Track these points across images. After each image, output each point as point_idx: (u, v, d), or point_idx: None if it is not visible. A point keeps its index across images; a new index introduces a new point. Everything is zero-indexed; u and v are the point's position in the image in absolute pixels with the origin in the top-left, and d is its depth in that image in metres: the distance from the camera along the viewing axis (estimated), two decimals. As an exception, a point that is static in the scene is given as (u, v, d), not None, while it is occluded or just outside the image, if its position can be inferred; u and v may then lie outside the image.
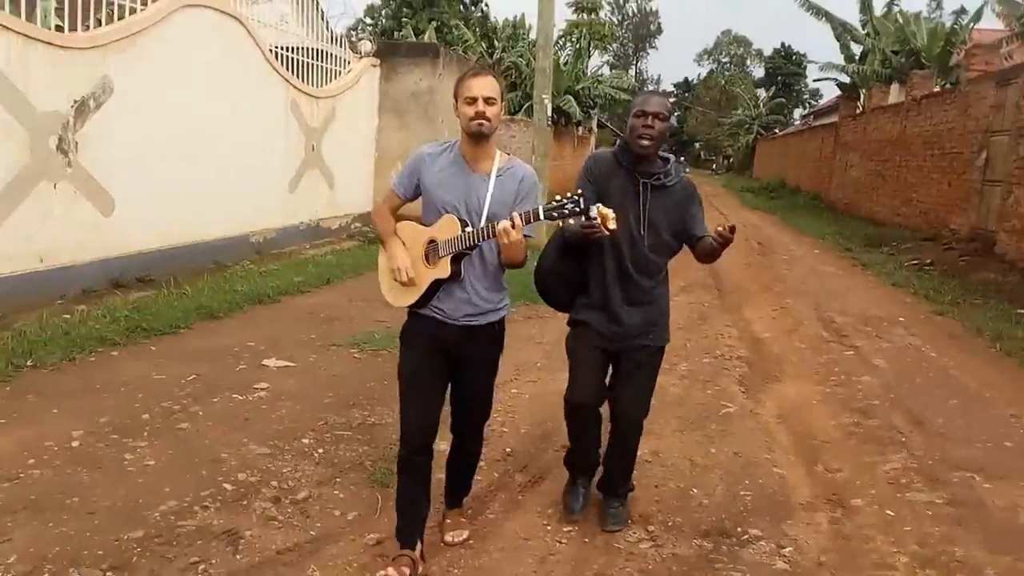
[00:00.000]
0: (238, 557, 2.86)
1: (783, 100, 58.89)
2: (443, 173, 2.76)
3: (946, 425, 4.63)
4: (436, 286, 2.73)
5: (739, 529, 3.26)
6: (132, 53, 7.07)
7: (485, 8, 31.65)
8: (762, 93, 65.18)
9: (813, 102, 60.83)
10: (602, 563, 2.98)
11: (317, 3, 12.12)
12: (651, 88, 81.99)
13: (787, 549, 3.11)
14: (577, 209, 2.50)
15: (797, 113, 61.27)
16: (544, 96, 11.36)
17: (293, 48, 10.52)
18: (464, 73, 2.75)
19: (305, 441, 3.92)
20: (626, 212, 2.96)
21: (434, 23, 29.27)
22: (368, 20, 37.15)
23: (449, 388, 2.90)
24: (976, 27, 23.43)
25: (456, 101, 2.71)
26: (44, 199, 6.25)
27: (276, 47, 9.92)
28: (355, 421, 4.25)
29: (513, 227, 2.51)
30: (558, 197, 2.54)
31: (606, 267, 3.07)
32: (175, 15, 7.60)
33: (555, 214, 2.52)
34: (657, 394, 4.95)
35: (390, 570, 2.68)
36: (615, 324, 3.09)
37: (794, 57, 65.54)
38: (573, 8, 41.74)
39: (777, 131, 50.50)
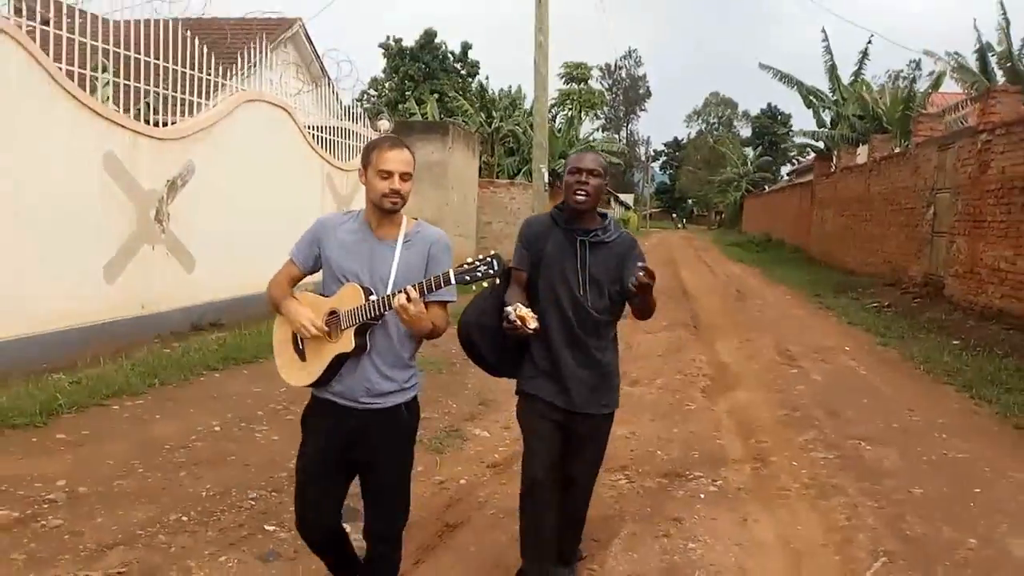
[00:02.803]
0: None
1: (770, 158, 61.16)
2: (346, 241, 2.60)
3: (854, 416, 6.12)
4: (339, 362, 2.55)
5: (688, 472, 4.73)
6: (208, 141, 8.72)
7: (485, 81, 33.72)
8: (750, 152, 67.73)
9: (800, 158, 63.45)
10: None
11: (334, 89, 13.89)
12: (641, 148, 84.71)
13: (719, 482, 4.59)
14: (491, 272, 2.38)
15: (786, 170, 63.67)
16: (542, 166, 13.11)
17: (323, 128, 12.23)
18: (378, 142, 2.59)
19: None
20: (564, 271, 2.92)
21: (435, 95, 31.37)
22: (372, 91, 39.28)
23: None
24: (940, 91, 25.55)
25: (365, 169, 2.56)
26: (146, 259, 7.81)
27: (310, 127, 11.63)
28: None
29: (409, 300, 2.36)
30: (469, 259, 2.42)
31: (552, 331, 2.93)
32: (238, 109, 9.30)
33: (467, 277, 2.39)
34: (634, 398, 6.54)
35: None
36: (565, 392, 2.95)
37: (779, 117, 68.31)
38: (564, 79, 44.32)
39: (766, 188, 52.59)
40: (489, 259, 2.40)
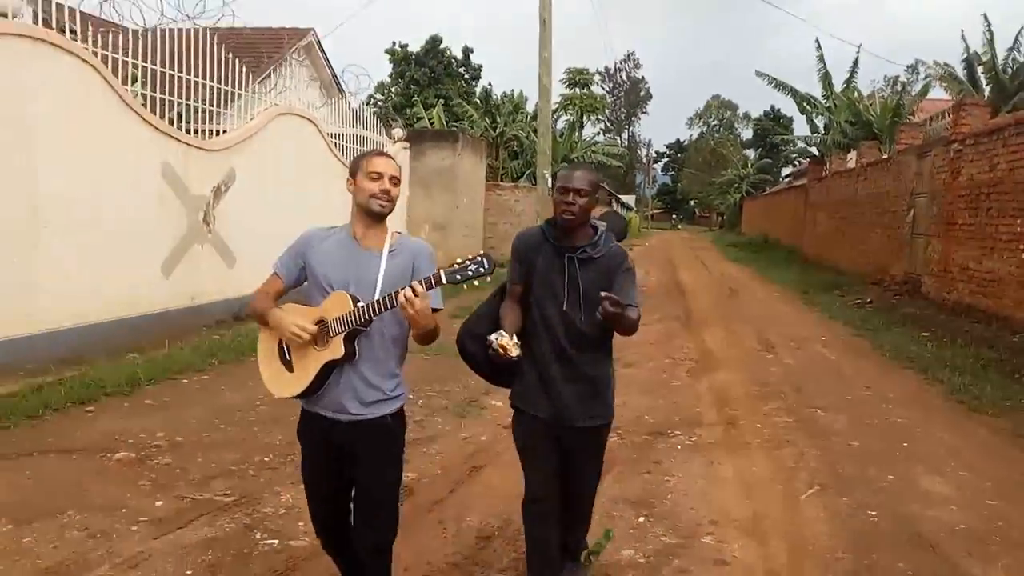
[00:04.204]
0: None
1: (769, 161, 61.97)
2: (331, 251, 2.64)
3: (816, 391, 7.11)
4: (328, 370, 2.57)
5: (668, 432, 5.72)
6: (247, 151, 9.73)
7: (488, 86, 34.71)
8: (751, 154, 68.64)
9: (800, 161, 64.39)
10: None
11: (349, 104, 14.86)
12: (643, 150, 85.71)
13: (694, 438, 5.58)
14: (480, 270, 2.42)
15: (786, 171, 64.53)
16: (545, 172, 14.11)
17: (341, 136, 13.22)
18: (367, 153, 2.68)
19: (411, 396, 6.39)
20: (553, 287, 2.95)
21: (441, 100, 32.39)
22: (379, 96, 40.24)
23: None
24: (933, 98, 26.54)
25: (355, 176, 2.61)
26: (195, 256, 8.81)
27: (332, 135, 12.62)
28: (441, 387, 6.72)
29: (416, 294, 2.38)
30: (459, 259, 2.45)
31: (541, 344, 2.97)
32: (272, 122, 10.31)
33: (458, 276, 2.41)
34: (628, 377, 7.53)
35: None
36: (554, 405, 2.98)
37: (781, 120, 69.11)
38: (567, 84, 45.36)
39: (766, 189, 53.50)
40: (479, 258, 2.44)
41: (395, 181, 2.60)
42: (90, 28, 7.45)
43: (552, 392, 2.98)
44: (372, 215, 2.59)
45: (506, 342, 2.68)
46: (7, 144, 6.39)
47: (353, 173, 2.63)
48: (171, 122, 9.16)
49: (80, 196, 7.08)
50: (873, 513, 4.22)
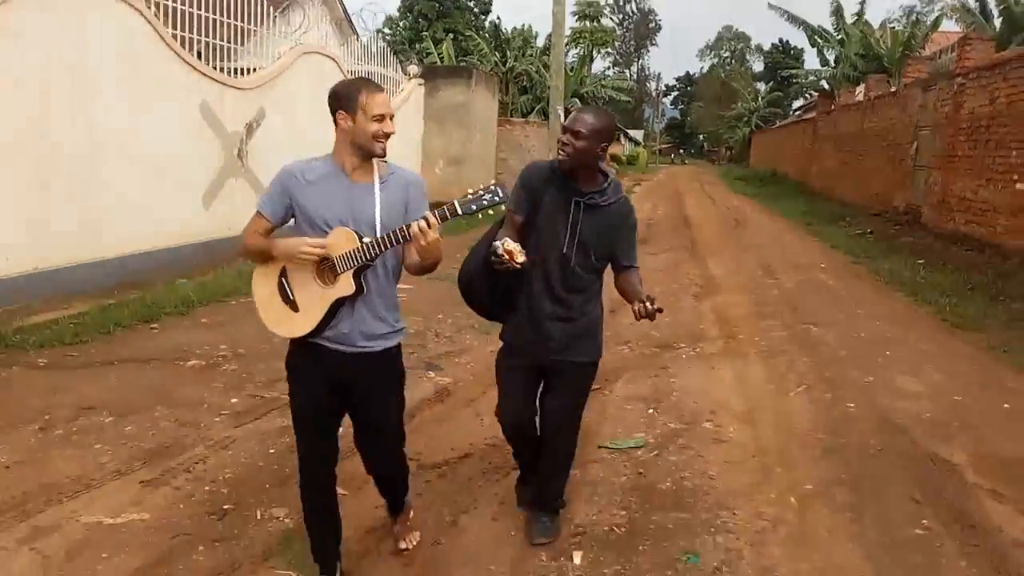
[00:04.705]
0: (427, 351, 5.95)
1: (780, 94, 61.40)
2: (320, 187, 2.55)
3: (811, 311, 7.71)
4: (337, 307, 2.55)
5: (673, 344, 6.36)
6: (275, 89, 10.19)
7: (497, 20, 34.56)
8: (762, 87, 68.00)
9: (811, 94, 63.73)
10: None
11: (363, 42, 15.14)
12: (652, 83, 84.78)
13: (697, 349, 6.22)
14: (495, 199, 2.42)
15: (798, 104, 64.02)
16: (558, 107, 14.50)
17: (359, 72, 13.59)
18: (361, 86, 2.53)
19: (440, 316, 7.02)
20: (556, 227, 2.95)
21: (450, 34, 32.34)
22: (387, 30, 40.00)
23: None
24: (945, 31, 26.47)
25: (352, 113, 2.49)
26: (231, 190, 9.38)
27: (350, 72, 13.01)
28: (466, 309, 7.32)
29: (429, 226, 2.39)
30: (471, 190, 2.44)
31: (533, 282, 3.01)
32: (298, 60, 10.74)
33: (473, 206, 2.41)
34: None
35: None
36: (539, 338, 3.04)
37: (792, 52, 68.23)
38: (577, 16, 44.90)
39: (776, 123, 53.24)
40: (493, 187, 2.42)
41: (392, 118, 2.56)
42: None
43: (541, 329, 3.03)
44: (372, 155, 2.54)
45: (513, 247, 2.62)
46: (73, 86, 6.93)
47: (347, 107, 2.51)
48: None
49: (134, 134, 7.64)
50: (851, 405, 4.87)
